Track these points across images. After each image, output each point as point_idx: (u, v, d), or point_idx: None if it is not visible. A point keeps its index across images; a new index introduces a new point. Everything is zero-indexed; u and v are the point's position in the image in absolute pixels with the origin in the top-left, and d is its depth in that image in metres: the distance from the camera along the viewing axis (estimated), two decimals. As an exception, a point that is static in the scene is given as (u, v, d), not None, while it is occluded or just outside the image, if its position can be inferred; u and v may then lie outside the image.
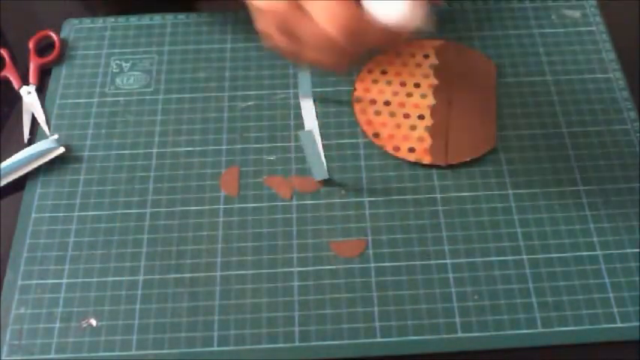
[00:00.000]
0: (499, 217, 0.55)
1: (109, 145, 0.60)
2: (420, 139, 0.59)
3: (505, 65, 0.65)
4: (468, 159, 0.58)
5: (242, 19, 0.68)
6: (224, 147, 0.59)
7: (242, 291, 0.52)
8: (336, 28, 0.43)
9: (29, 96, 0.63)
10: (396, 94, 0.62)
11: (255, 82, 0.64)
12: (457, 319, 0.50)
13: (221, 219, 0.55)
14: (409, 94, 0.62)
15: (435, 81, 0.63)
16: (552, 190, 0.57)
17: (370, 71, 0.64)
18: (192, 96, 0.63)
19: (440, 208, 0.56)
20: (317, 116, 0.61)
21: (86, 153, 0.59)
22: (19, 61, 0.65)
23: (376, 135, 0.59)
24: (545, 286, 0.52)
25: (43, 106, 0.62)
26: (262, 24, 0.47)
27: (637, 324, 0.50)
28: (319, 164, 0.55)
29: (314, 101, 0.60)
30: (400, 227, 0.55)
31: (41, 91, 0.64)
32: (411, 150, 0.58)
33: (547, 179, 0.57)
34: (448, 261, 0.53)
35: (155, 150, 0.59)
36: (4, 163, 0.57)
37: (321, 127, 0.60)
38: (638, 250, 0.53)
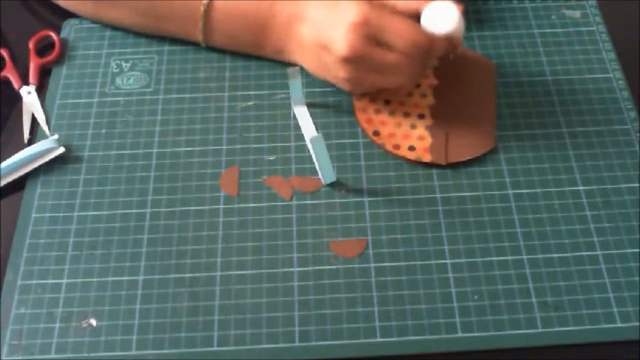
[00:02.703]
0: (499, 217, 0.55)
1: (109, 145, 0.60)
2: (420, 138, 0.59)
3: (505, 65, 0.65)
4: (467, 158, 0.58)
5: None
6: (224, 147, 0.59)
7: (242, 291, 0.52)
8: (410, 45, 0.54)
9: (29, 96, 0.63)
10: (396, 93, 0.62)
11: (255, 82, 0.64)
12: (457, 319, 0.50)
13: (221, 219, 0.55)
14: (409, 94, 0.62)
15: (435, 81, 0.63)
16: (552, 189, 0.57)
17: (370, 71, 0.64)
18: (192, 96, 0.63)
19: (440, 208, 0.56)
20: (316, 116, 0.61)
21: (86, 153, 0.59)
22: (19, 61, 0.65)
23: (376, 133, 0.59)
24: (545, 286, 0.52)
25: (43, 106, 0.62)
26: (351, 62, 0.54)
27: (637, 324, 0.50)
28: (328, 168, 0.56)
29: (307, 106, 0.60)
30: (400, 227, 0.55)
31: (41, 91, 0.64)
32: (411, 148, 0.58)
33: (547, 179, 0.57)
34: (448, 261, 0.53)
35: (155, 150, 0.59)
36: (4, 163, 0.57)
37: (321, 127, 0.60)
38: (638, 250, 0.53)
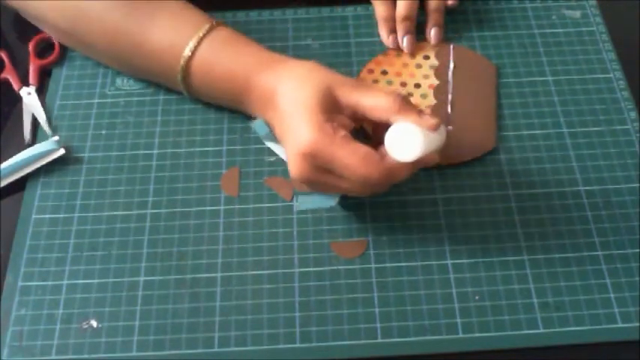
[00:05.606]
0: (500, 217, 0.55)
1: (109, 146, 0.60)
2: (421, 140, 0.59)
3: (505, 65, 0.65)
4: (468, 159, 0.58)
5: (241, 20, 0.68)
6: (224, 148, 0.59)
7: (243, 292, 0.52)
8: (361, 180, 0.49)
9: (29, 97, 0.63)
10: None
11: (255, 83, 0.63)
12: (458, 320, 0.50)
13: (222, 220, 0.55)
14: (409, 94, 0.62)
15: (435, 81, 0.63)
16: (553, 190, 0.56)
17: (371, 71, 0.64)
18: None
19: (440, 208, 0.56)
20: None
21: (87, 154, 0.59)
22: (19, 63, 0.65)
23: (376, 135, 0.59)
24: (547, 286, 0.52)
25: (43, 107, 0.62)
26: (300, 170, 0.50)
27: (638, 324, 0.50)
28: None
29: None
30: (401, 228, 0.55)
31: (41, 92, 0.64)
32: (412, 150, 0.58)
33: (547, 179, 0.57)
34: (449, 261, 0.53)
35: (156, 151, 0.59)
36: (5, 164, 0.57)
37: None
38: (638, 250, 0.53)
